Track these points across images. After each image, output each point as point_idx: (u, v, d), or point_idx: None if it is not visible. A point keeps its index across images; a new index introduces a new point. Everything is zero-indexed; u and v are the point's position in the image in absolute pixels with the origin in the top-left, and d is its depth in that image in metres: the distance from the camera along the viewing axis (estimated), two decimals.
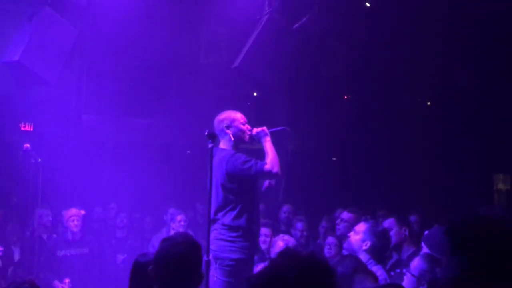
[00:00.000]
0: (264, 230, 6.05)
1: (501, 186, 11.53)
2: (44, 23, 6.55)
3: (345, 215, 5.46)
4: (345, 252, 4.77)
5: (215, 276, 4.42)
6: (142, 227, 8.14)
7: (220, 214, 4.49)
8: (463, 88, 10.16)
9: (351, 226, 5.05)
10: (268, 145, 4.56)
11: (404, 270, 3.52)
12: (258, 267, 4.76)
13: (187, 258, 2.72)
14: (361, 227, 4.51)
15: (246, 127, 4.69)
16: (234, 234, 4.44)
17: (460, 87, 10.20)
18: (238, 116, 4.69)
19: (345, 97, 11.33)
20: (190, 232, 5.02)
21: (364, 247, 4.38)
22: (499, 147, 9.73)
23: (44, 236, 6.92)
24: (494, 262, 1.93)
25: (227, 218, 4.46)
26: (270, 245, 6.14)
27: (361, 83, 10.40)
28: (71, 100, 9.64)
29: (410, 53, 9.70)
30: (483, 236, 1.98)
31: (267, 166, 4.41)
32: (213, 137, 4.25)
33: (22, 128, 9.15)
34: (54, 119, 9.01)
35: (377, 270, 4.14)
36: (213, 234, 4.35)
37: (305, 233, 6.81)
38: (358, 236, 4.45)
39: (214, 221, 4.47)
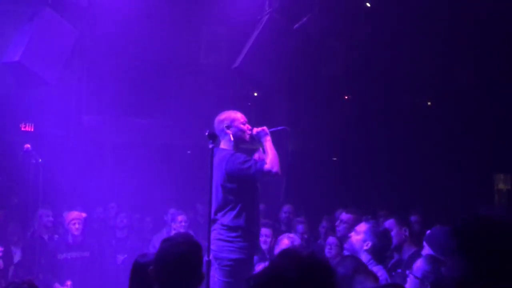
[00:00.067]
0: (264, 231, 6.04)
1: (501, 186, 11.52)
2: (45, 23, 6.55)
3: (344, 216, 5.45)
4: (346, 252, 4.77)
5: (215, 276, 4.42)
6: (142, 227, 8.14)
7: (219, 214, 4.49)
8: (463, 88, 10.16)
9: (350, 227, 5.04)
10: (268, 145, 4.56)
11: (407, 272, 3.52)
12: (259, 267, 4.76)
13: (187, 258, 2.72)
14: (362, 227, 4.52)
15: (247, 126, 4.68)
16: (233, 234, 4.44)
17: (460, 87, 10.20)
18: (238, 116, 4.69)
19: (346, 97, 11.33)
20: (191, 233, 5.03)
21: (365, 247, 4.38)
22: (499, 147, 9.73)
23: (45, 237, 6.92)
24: (499, 262, 1.94)
25: (227, 218, 4.46)
26: (271, 245, 6.14)
27: (361, 83, 10.40)
28: (72, 101, 9.65)
29: (410, 53, 9.69)
30: (488, 236, 1.99)
31: (267, 166, 4.41)
32: (214, 138, 4.25)
33: (22, 129, 9.16)
34: (55, 119, 9.02)
35: (378, 270, 4.15)
36: (212, 234, 4.35)
37: (305, 236, 6.80)
38: (359, 236, 4.46)
39: (214, 221, 4.47)
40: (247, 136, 4.68)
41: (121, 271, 6.73)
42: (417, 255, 4.38)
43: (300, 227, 6.83)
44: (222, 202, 4.49)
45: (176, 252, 2.70)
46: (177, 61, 9.84)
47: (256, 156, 4.77)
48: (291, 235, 5.72)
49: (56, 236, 6.95)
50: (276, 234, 6.36)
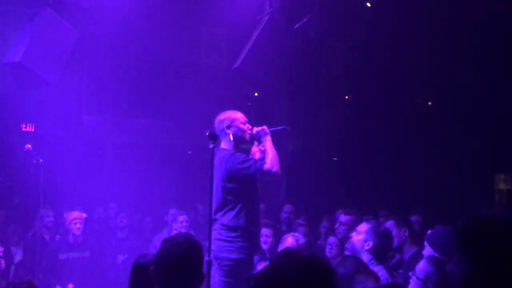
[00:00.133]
0: (265, 231, 6.05)
1: (502, 186, 11.52)
2: (45, 24, 6.56)
3: (343, 218, 5.44)
4: (347, 253, 4.78)
5: (215, 276, 4.43)
6: (143, 227, 8.15)
7: (219, 214, 4.49)
8: (463, 88, 10.17)
9: (349, 228, 5.04)
10: (268, 145, 4.55)
11: (410, 273, 3.52)
12: (260, 267, 4.76)
13: (188, 258, 2.71)
14: (363, 227, 4.52)
15: (247, 126, 4.68)
16: (232, 234, 4.44)
17: (460, 87, 10.21)
18: (238, 115, 4.69)
19: (346, 97, 11.34)
20: (192, 233, 5.03)
21: (366, 247, 4.38)
22: (499, 147, 9.74)
23: (47, 237, 6.93)
24: (501, 261, 1.94)
25: (226, 218, 4.46)
26: (271, 245, 6.14)
27: (361, 83, 10.41)
28: (72, 101, 9.66)
29: (410, 53, 9.70)
30: (489, 236, 1.99)
31: (267, 166, 4.41)
32: (214, 138, 4.26)
33: (23, 129, 9.15)
34: (55, 120, 9.03)
35: (379, 270, 4.15)
36: (212, 234, 4.35)
37: (306, 238, 6.79)
38: (360, 236, 4.46)
39: (214, 221, 4.47)
40: (247, 136, 4.67)
41: (121, 271, 6.74)
42: (418, 255, 4.38)
43: (300, 230, 6.81)
44: (222, 202, 4.49)
45: (177, 252, 2.70)
46: (178, 61, 9.85)
47: (254, 149, 4.77)
48: (296, 234, 5.70)
49: (58, 236, 6.95)
50: (277, 234, 6.37)
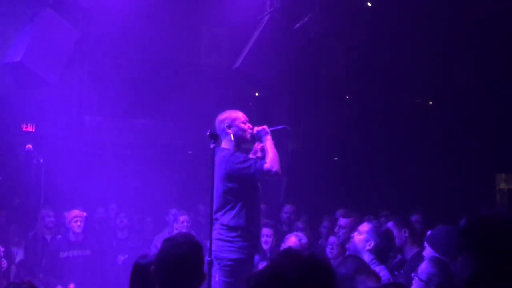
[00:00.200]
0: (265, 230, 6.05)
1: (503, 185, 11.52)
2: (46, 24, 6.56)
3: (342, 221, 5.43)
4: (349, 253, 4.78)
5: (216, 276, 4.43)
6: (143, 228, 8.15)
7: (219, 214, 4.49)
8: (463, 88, 10.18)
9: (349, 231, 5.04)
10: (269, 144, 4.54)
11: (412, 274, 3.52)
12: (261, 267, 4.76)
13: (188, 258, 2.71)
14: (365, 227, 4.51)
15: (247, 125, 4.67)
16: (232, 234, 4.43)
17: (460, 87, 10.22)
18: (239, 115, 4.68)
19: (347, 97, 11.35)
20: (193, 233, 5.03)
21: (367, 247, 4.38)
22: (499, 147, 9.74)
23: (48, 237, 6.94)
24: (506, 261, 1.94)
25: (226, 218, 4.46)
26: (272, 245, 6.14)
27: (362, 83, 10.42)
28: (73, 101, 9.67)
29: (410, 53, 9.71)
30: (494, 236, 2.00)
31: (267, 165, 4.40)
32: (215, 138, 4.26)
33: (24, 129, 9.16)
34: (56, 120, 9.03)
35: (380, 270, 4.15)
36: (212, 234, 4.35)
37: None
38: (362, 236, 4.46)
39: (214, 220, 4.47)
40: (248, 135, 4.66)
41: (122, 272, 6.74)
42: (419, 255, 4.38)
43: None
44: (222, 201, 4.48)
45: (177, 252, 2.69)
46: (178, 61, 9.85)
47: (256, 146, 4.77)
48: (299, 233, 5.70)
49: (59, 236, 6.96)
50: (277, 234, 6.37)
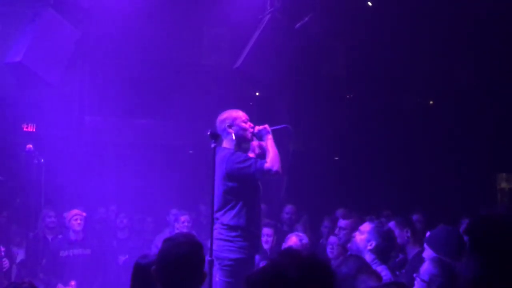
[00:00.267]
0: (266, 230, 6.05)
1: (504, 185, 11.52)
2: (47, 24, 6.57)
3: (342, 222, 5.42)
4: (350, 253, 4.78)
5: (216, 276, 4.43)
6: (144, 228, 8.15)
7: (219, 213, 4.49)
8: (463, 88, 10.18)
9: (350, 232, 5.04)
10: (270, 143, 4.54)
11: (414, 275, 3.52)
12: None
13: (189, 258, 2.71)
14: (366, 227, 4.51)
15: (248, 124, 4.67)
16: (233, 233, 4.43)
17: (460, 87, 10.22)
18: (239, 114, 4.68)
19: (347, 96, 11.35)
20: (194, 233, 5.03)
21: (369, 247, 4.38)
22: (499, 146, 9.75)
23: (49, 237, 6.94)
24: (509, 261, 1.94)
25: (226, 217, 4.46)
26: (272, 245, 6.15)
27: (362, 83, 10.42)
28: (73, 101, 9.67)
29: (410, 53, 9.71)
30: (498, 236, 1.99)
31: (267, 165, 4.39)
32: (216, 137, 4.26)
33: (24, 129, 9.17)
34: (57, 120, 9.03)
35: (382, 270, 4.15)
36: (213, 234, 4.36)
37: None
38: (363, 235, 4.45)
39: (215, 220, 4.48)
40: (249, 134, 4.66)
41: (123, 272, 6.75)
42: (421, 255, 4.38)
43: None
44: (222, 201, 4.48)
45: (177, 252, 2.70)
46: (178, 61, 9.85)
47: (253, 143, 4.77)
48: (300, 233, 5.71)
49: (60, 236, 6.96)
50: (278, 234, 6.37)
